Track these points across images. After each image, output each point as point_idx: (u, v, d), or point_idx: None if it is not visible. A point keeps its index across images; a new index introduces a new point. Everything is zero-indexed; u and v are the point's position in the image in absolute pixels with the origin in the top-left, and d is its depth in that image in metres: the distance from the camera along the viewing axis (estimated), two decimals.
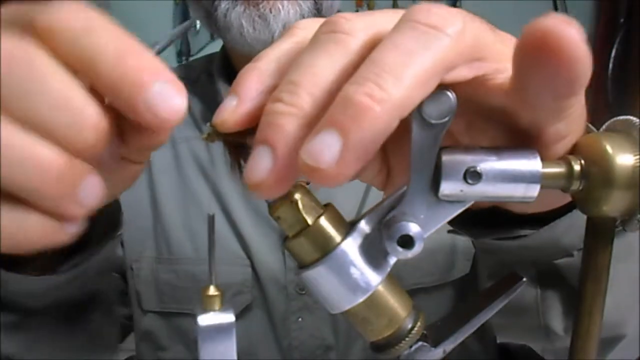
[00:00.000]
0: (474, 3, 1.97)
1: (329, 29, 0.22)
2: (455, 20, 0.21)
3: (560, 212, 0.32)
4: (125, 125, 0.24)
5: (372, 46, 0.21)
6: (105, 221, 0.38)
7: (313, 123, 0.20)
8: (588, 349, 0.27)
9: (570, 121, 0.24)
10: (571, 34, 0.19)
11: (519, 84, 0.22)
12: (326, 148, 0.19)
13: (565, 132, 0.24)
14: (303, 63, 0.22)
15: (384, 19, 0.22)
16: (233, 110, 0.23)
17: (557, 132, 0.24)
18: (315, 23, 0.24)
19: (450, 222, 0.35)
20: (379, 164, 0.29)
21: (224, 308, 0.34)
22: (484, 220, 0.34)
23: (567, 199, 0.31)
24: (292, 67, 0.22)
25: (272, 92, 0.23)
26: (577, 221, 0.33)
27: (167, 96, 0.21)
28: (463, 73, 0.22)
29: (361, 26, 0.22)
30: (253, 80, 0.24)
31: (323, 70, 0.21)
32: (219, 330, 0.32)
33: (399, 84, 0.19)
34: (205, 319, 0.31)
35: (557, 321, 0.43)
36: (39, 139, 0.21)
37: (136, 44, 0.22)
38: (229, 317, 0.32)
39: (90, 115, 0.21)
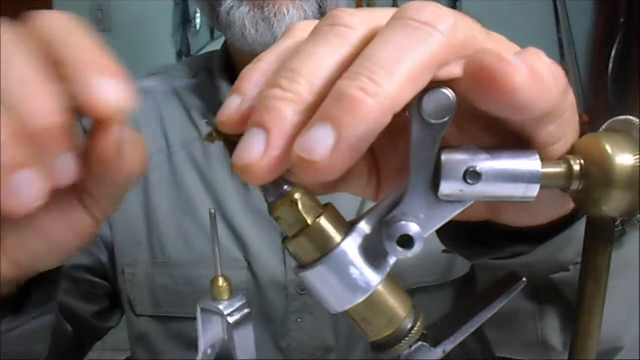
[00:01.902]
0: (474, 3, 1.97)
1: (330, 22, 0.23)
2: (447, 17, 0.21)
3: (556, 226, 0.32)
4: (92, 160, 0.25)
5: (369, 40, 0.22)
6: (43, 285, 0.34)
7: (309, 112, 0.21)
8: (588, 348, 0.27)
9: (562, 124, 0.24)
10: (502, 68, 0.19)
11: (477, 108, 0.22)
12: (320, 141, 0.19)
13: (558, 135, 0.24)
14: (303, 52, 0.22)
15: (383, 15, 0.23)
16: (238, 108, 0.23)
17: (549, 135, 0.24)
18: (310, 24, 0.24)
19: (444, 243, 0.35)
20: (367, 175, 0.29)
21: (233, 298, 0.35)
22: (476, 235, 0.34)
23: (564, 211, 0.31)
24: (292, 56, 0.22)
25: None
26: (574, 236, 0.33)
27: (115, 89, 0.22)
28: (455, 70, 0.22)
29: (361, 20, 0.23)
30: (255, 79, 0.24)
31: (323, 60, 0.22)
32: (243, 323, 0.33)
33: (392, 79, 0.20)
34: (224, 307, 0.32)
35: (555, 336, 0.43)
36: None
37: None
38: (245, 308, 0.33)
39: (47, 98, 0.22)
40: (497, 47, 0.23)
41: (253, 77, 0.24)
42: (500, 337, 0.47)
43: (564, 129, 0.24)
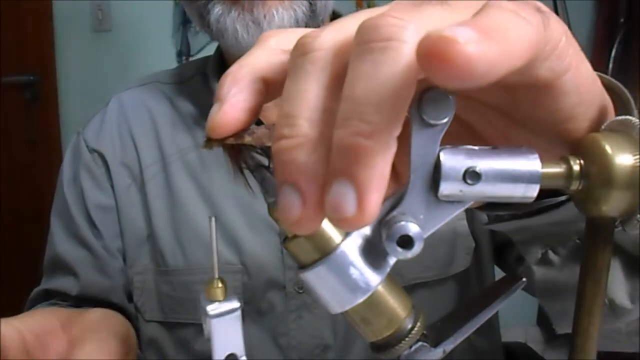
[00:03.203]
0: None
1: (300, 52, 0.23)
2: (406, 23, 0.20)
3: None
4: None
5: (344, 52, 0.22)
6: None
7: (321, 144, 0.21)
8: (588, 348, 0.27)
9: (559, 55, 0.23)
10: (448, 48, 0.18)
11: None
12: (343, 199, 0.19)
13: (562, 66, 0.23)
14: (290, 94, 0.22)
15: (349, 23, 0.22)
16: (217, 113, 0.24)
17: (551, 70, 0.23)
18: (282, 32, 0.25)
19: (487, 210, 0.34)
20: None
21: (228, 298, 0.35)
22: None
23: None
24: (282, 101, 0.22)
25: (252, 90, 0.24)
26: None
27: None
28: None
29: (328, 37, 0.22)
30: (228, 83, 0.24)
31: (309, 92, 0.22)
32: (226, 316, 0.33)
33: (380, 110, 0.19)
34: (212, 308, 0.33)
35: (621, 291, 0.42)
36: None
37: None
38: (234, 304, 0.34)
39: None
40: (458, 16, 0.22)
41: (225, 82, 0.25)
42: (561, 308, 0.46)
43: (564, 58, 0.23)
